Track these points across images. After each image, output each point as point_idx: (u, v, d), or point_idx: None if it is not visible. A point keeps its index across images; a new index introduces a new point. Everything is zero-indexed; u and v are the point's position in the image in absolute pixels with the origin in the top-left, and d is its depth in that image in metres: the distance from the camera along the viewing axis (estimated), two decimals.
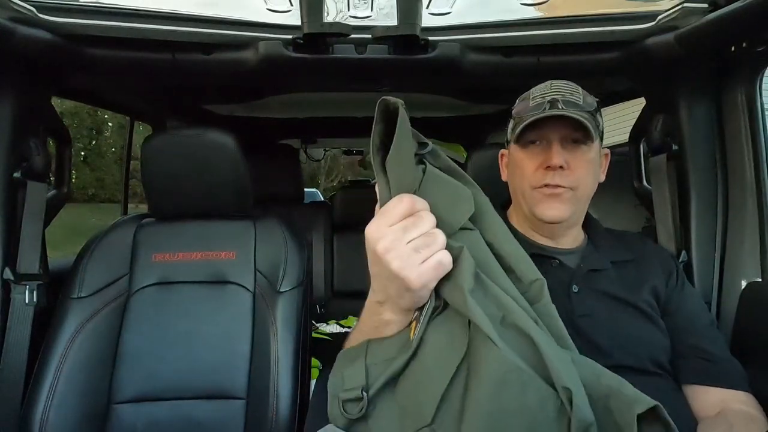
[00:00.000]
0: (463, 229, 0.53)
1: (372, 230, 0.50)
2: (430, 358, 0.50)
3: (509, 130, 0.86)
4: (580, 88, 0.81)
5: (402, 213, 0.49)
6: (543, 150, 0.80)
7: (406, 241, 0.48)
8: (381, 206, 0.51)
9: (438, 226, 0.50)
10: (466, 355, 0.49)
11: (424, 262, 0.48)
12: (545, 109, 0.77)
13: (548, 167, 0.78)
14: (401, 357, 0.51)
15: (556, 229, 0.84)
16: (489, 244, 0.54)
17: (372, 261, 0.52)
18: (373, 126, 0.53)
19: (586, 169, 0.80)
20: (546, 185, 0.79)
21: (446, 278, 0.50)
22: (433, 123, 2.31)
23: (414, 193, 0.50)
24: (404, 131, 0.50)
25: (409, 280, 0.48)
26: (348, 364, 0.56)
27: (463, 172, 0.55)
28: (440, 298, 0.51)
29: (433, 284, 0.50)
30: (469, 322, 0.48)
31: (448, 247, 0.49)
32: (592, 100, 0.81)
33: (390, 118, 0.52)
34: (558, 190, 0.79)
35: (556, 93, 0.79)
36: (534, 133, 0.80)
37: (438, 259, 0.48)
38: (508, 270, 0.54)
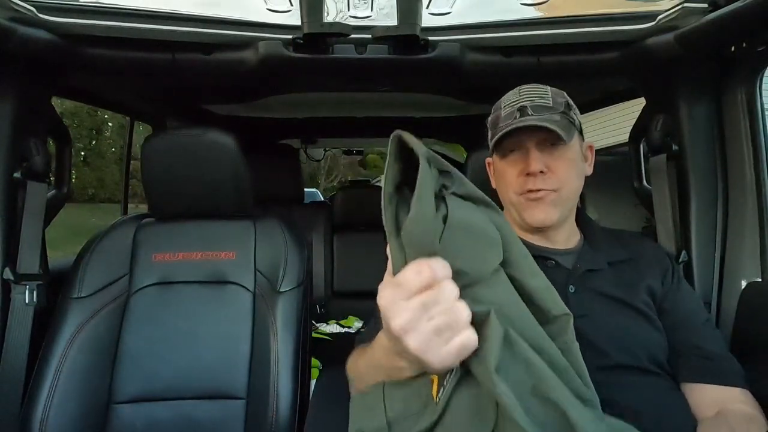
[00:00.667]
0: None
1: (387, 304, 0.44)
2: (458, 426, 0.46)
3: (489, 140, 0.87)
4: (549, 89, 0.82)
5: (421, 286, 0.42)
6: (522, 157, 0.81)
7: (427, 319, 0.43)
8: (394, 272, 0.45)
9: (463, 279, 0.44)
10: (496, 426, 0.44)
11: (446, 344, 0.43)
12: (515, 117, 0.78)
13: (528, 173, 0.80)
14: (425, 419, 0.47)
15: (547, 231, 0.85)
16: (512, 278, 0.49)
17: (387, 335, 0.47)
18: (386, 169, 0.46)
19: (566, 169, 0.81)
20: (529, 191, 0.80)
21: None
22: (433, 123, 2.31)
23: (434, 252, 0.44)
24: (426, 184, 0.43)
25: (430, 362, 0.43)
26: (366, 414, 0.52)
27: (484, 196, 0.49)
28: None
29: (455, 365, 0.45)
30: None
31: (473, 315, 0.44)
32: (562, 99, 0.82)
33: (406, 156, 0.46)
34: (540, 194, 0.80)
35: (525, 99, 0.80)
36: (510, 142, 0.81)
37: (462, 342, 0.43)
38: (530, 303, 0.49)
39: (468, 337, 0.43)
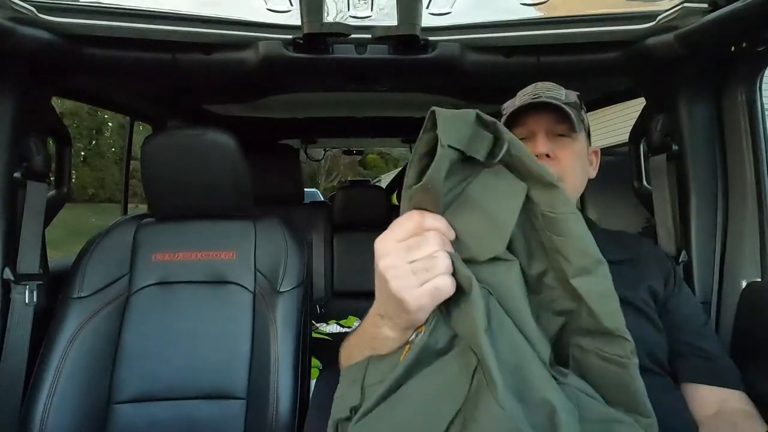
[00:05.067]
0: (496, 259, 0.49)
1: (380, 244, 0.49)
2: (420, 400, 0.46)
3: None
4: (563, 89, 0.85)
5: (409, 230, 0.47)
6: (529, 143, 0.83)
7: (407, 260, 0.47)
8: None
9: (461, 250, 0.48)
10: (462, 408, 0.44)
11: (421, 285, 0.46)
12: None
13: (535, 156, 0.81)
14: (389, 379, 0.48)
15: None
16: (561, 271, 0.48)
17: (376, 275, 0.51)
18: (420, 134, 0.48)
19: (572, 160, 0.82)
20: None
21: (457, 308, 0.47)
22: None
23: (442, 213, 0.48)
24: (442, 158, 0.44)
25: (406, 302, 0.47)
26: (348, 386, 0.54)
27: (541, 173, 0.48)
28: (439, 332, 0.48)
29: (430, 308, 0.48)
30: (473, 374, 0.44)
31: (458, 275, 0.46)
32: (574, 97, 0.84)
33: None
34: None
35: (540, 91, 0.83)
36: (520, 128, 0.83)
37: (435, 284, 0.46)
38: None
39: (443, 281, 0.46)
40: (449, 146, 0.44)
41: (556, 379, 0.46)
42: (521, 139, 0.83)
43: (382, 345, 0.55)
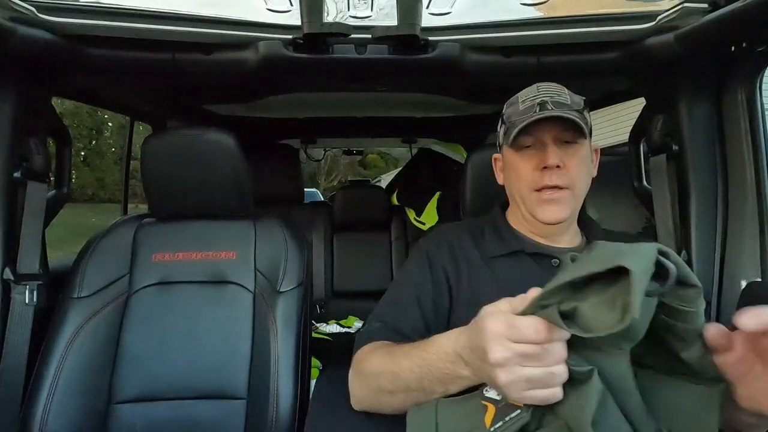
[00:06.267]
0: (610, 346, 0.47)
1: (494, 333, 0.48)
2: None
3: (501, 134, 0.87)
4: (565, 88, 0.83)
5: (532, 340, 0.46)
6: (537, 152, 0.81)
7: (522, 366, 0.46)
8: (522, 309, 0.48)
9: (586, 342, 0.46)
10: None
11: (530, 390, 0.47)
12: (536, 111, 0.78)
13: (545, 168, 0.80)
14: None
15: (555, 229, 0.85)
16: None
17: (478, 354, 0.50)
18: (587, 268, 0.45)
19: (579, 167, 0.82)
20: (545, 187, 0.80)
21: (567, 396, 0.47)
22: (433, 123, 2.31)
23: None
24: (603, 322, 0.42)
25: (508, 393, 0.47)
26: (420, 429, 0.55)
27: (689, 276, 0.46)
28: (536, 412, 0.48)
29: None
30: None
31: (575, 373, 0.46)
32: (579, 99, 0.82)
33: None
34: (556, 194, 0.80)
35: (544, 95, 0.81)
36: (528, 137, 0.81)
37: (545, 395, 0.46)
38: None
39: (553, 394, 0.46)
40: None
41: None
42: (527, 147, 0.82)
43: (454, 382, 0.56)
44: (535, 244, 0.86)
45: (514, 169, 0.84)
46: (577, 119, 0.77)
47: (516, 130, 0.79)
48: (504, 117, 0.86)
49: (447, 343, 0.58)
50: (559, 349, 0.46)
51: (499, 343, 0.47)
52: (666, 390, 0.51)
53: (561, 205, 0.81)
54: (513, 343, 0.47)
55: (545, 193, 0.80)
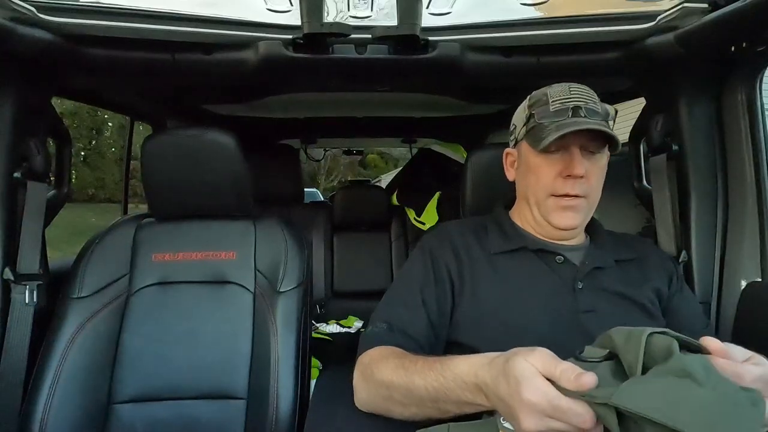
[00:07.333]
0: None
1: (528, 403, 0.48)
2: None
3: (521, 130, 0.85)
4: (594, 94, 0.81)
5: (574, 425, 0.46)
6: (562, 158, 0.79)
7: (554, 419, 0.47)
8: (572, 383, 0.47)
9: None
10: None
11: None
12: (569, 116, 0.77)
13: (569, 176, 0.78)
14: None
15: (566, 234, 0.85)
16: None
17: (503, 404, 0.51)
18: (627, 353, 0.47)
19: (598, 177, 0.82)
20: (566, 195, 0.80)
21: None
22: (433, 123, 2.31)
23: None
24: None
25: None
26: None
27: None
28: None
29: None
30: None
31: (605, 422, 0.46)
32: (608, 108, 0.81)
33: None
34: (574, 201, 0.80)
35: (577, 98, 0.79)
36: (555, 142, 0.78)
37: None
38: None
39: None
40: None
41: None
42: (552, 151, 0.79)
43: (470, 407, 0.58)
44: (539, 240, 0.86)
45: (535, 173, 0.82)
46: (614, 135, 0.76)
47: (552, 137, 0.75)
48: (531, 114, 0.82)
49: (466, 371, 0.57)
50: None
51: (534, 416, 0.48)
52: None
53: (577, 212, 0.81)
54: (550, 418, 0.47)
55: (564, 200, 0.80)
